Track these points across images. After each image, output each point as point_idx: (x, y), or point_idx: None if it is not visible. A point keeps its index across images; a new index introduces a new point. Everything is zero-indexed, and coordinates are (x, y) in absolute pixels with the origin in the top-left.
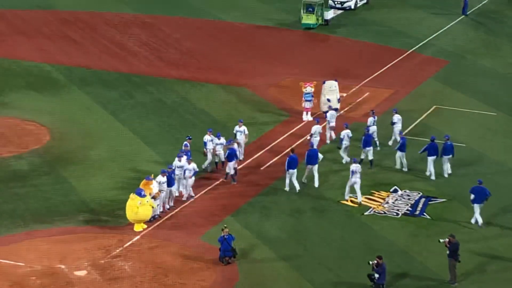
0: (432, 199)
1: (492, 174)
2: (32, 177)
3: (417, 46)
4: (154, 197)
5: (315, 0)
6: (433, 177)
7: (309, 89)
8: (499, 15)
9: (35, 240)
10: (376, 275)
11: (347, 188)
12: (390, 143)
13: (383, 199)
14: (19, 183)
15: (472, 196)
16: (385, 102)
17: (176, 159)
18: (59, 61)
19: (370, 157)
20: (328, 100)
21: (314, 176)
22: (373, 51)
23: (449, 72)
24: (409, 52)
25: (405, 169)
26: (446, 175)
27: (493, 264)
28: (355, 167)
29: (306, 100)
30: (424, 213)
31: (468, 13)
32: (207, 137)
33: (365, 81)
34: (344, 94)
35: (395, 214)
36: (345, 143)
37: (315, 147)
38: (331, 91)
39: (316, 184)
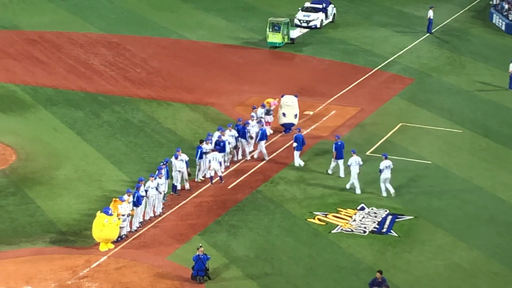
0: (399, 216)
1: (458, 191)
2: None
3: (382, 64)
4: (129, 215)
5: (281, 19)
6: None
7: (273, 106)
8: (463, 33)
9: (2, 261)
10: None
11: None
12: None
13: (350, 216)
14: None
15: (295, 144)
16: (351, 120)
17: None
18: (24, 81)
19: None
20: (284, 114)
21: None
22: (339, 69)
23: (414, 89)
24: (374, 70)
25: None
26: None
27: (460, 281)
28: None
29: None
30: (391, 231)
31: (433, 31)
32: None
33: (331, 99)
34: (311, 112)
35: (362, 231)
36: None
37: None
38: (288, 106)
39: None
